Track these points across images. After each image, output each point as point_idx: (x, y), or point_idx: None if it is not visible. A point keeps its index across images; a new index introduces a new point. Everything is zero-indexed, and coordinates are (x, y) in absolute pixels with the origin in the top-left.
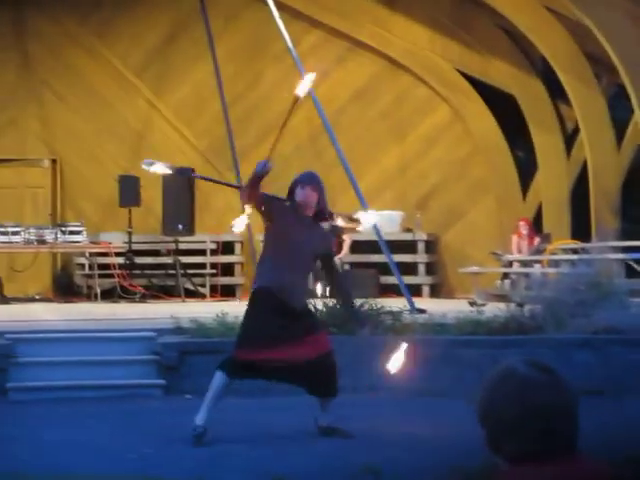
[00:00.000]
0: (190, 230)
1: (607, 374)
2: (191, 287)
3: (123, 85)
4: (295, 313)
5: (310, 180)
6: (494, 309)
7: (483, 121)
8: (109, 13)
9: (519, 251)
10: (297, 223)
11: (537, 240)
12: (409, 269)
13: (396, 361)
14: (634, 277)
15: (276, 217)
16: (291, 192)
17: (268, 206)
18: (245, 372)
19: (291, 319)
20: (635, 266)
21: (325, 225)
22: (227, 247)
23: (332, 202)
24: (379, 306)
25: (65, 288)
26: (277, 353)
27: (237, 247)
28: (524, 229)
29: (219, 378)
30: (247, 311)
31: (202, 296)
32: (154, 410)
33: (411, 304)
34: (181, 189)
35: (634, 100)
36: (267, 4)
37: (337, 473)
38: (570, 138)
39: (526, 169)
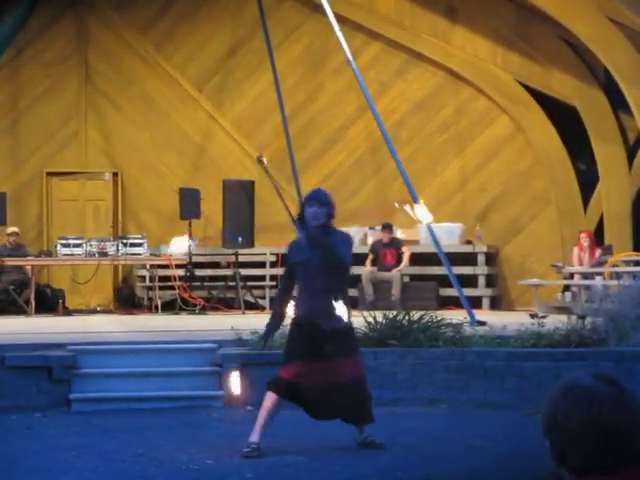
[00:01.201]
0: (250, 242)
1: None
2: (251, 299)
3: (183, 98)
4: (327, 335)
5: (316, 197)
6: (555, 322)
7: (544, 133)
8: (169, 25)
9: (580, 263)
10: (302, 251)
11: (598, 252)
12: (469, 281)
13: None
14: None
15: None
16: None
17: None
18: (289, 391)
19: (324, 341)
20: None
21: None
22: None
23: (392, 215)
24: (439, 318)
25: (126, 300)
26: (314, 371)
27: None
28: (585, 241)
29: (269, 397)
30: (288, 335)
31: (262, 308)
32: (215, 421)
33: (471, 316)
34: (241, 202)
35: None
36: (327, 16)
37: None
38: (632, 149)
39: (587, 181)
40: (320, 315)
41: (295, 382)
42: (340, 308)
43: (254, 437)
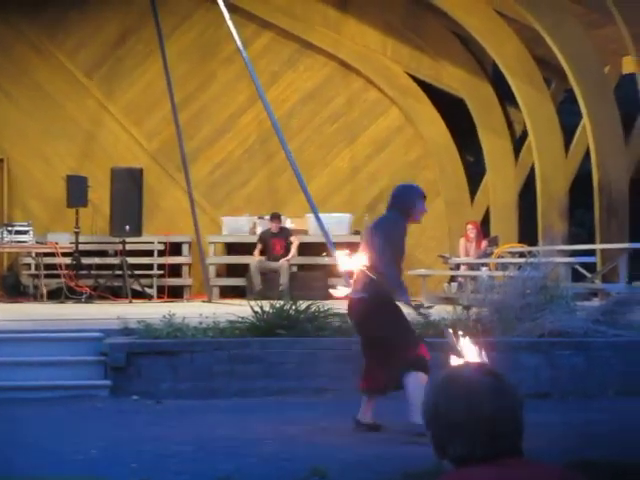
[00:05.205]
0: (138, 231)
1: (553, 377)
2: (138, 288)
3: (73, 85)
4: None
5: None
6: (441, 312)
7: (433, 125)
8: (59, 12)
9: (467, 254)
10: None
11: (485, 243)
12: None
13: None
14: (580, 281)
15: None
16: (410, 204)
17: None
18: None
19: None
20: (581, 270)
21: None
22: (175, 248)
23: (282, 205)
24: (326, 308)
25: (11, 288)
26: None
27: (185, 248)
28: (472, 232)
29: (418, 379)
30: (393, 315)
31: (149, 297)
32: (100, 411)
33: None
34: (129, 190)
35: (582, 105)
36: (218, 5)
37: (284, 474)
38: (518, 142)
39: (475, 173)
40: None
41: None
42: None
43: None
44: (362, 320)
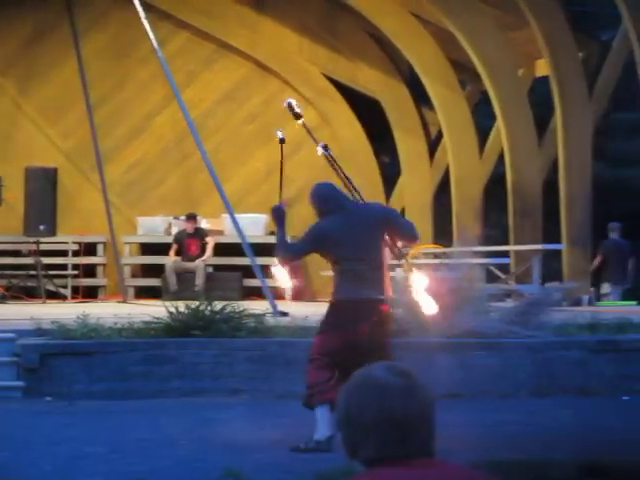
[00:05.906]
0: (52, 231)
1: (466, 377)
2: (52, 288)
3: None
4: None
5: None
6: None
7: (349, 126)
8: None
9: None
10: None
11: (400, 244)
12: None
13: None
14: (494, 282)
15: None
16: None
17: (315, 249)
18: None
19: None
20: (496, 271)
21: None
22: (90, 248)
23: (197, 205)
24: (242, 309)
25: None
26: None
27: (100, 248)
28: None
29: None
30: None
31: (64, 297)
32: (13, 412)
33: (274, 307)
34: (44, 189)
35: (496, 107)
36: (134, 4)
37: (198, 475)
38: (434, 144)
39: (390, 174)
40: None
41: None
42: None
43: None
44: (384, 325)
